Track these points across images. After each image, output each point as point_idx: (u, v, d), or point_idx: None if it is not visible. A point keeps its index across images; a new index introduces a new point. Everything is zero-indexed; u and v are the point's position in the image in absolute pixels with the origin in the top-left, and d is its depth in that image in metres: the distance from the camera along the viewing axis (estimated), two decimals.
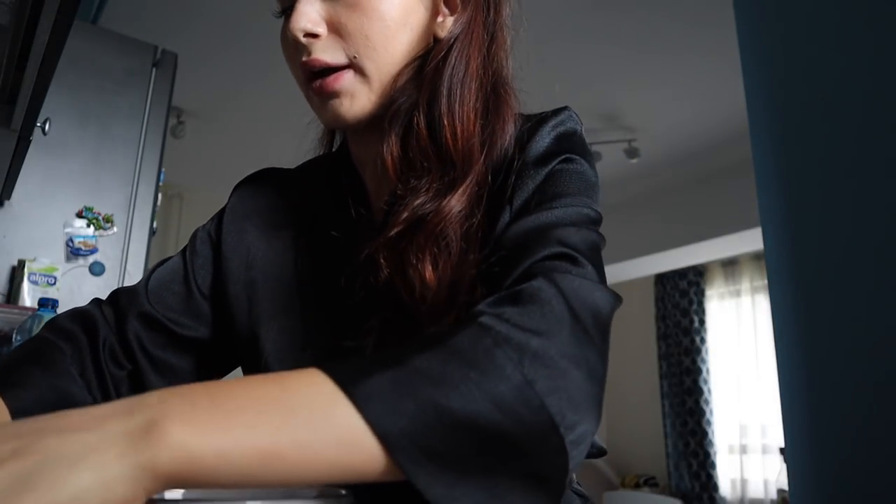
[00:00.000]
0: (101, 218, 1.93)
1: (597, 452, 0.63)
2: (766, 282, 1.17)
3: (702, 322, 5.22)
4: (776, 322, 1.12)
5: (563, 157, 0.60)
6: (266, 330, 0.66)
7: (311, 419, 0.37)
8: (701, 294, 5.27)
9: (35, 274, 1.76)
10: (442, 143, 0.60)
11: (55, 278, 1.78)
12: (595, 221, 0.58)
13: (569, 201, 0.57)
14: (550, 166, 0.59)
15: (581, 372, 0.43)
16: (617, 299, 0.51)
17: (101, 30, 2.20)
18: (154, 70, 2.11)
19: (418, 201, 0.58)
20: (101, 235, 1.92)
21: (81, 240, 1.87)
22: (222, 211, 0.76)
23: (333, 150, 0.76)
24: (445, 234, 0.58)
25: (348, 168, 0.71)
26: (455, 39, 0.63)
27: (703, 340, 5.19)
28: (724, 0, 1.38)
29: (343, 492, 0.45)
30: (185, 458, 0.33)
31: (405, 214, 0.58)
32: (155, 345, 0.68)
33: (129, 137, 2.04)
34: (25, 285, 1.74)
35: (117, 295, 0.70)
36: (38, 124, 1.44)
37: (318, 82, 0.61)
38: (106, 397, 0.65)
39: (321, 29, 0.60)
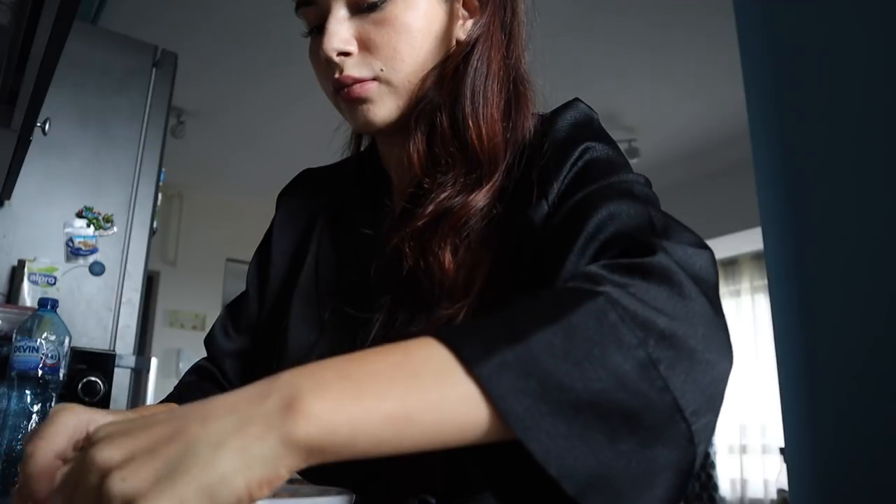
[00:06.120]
0: (101, 218, 1.93)
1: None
2: (766, 282, 1.17)
3: None
4: (776, 322, 1.12)
5: (584, 146, 0.60)
6: (291, 318, 0.69)
7: (437, 386, 0.36)
8: None
9: (35, 274, 1.76)
10: (467, 141, 0.62)
11: (55, 278, 1.78)
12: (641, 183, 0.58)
13: (607, 181, 0.56)
14: (574, 156, 0.59)
15: (710, 356, 0.40)
16: (711, 252, 0.48)
17: (101, 30, 2.20)
18: (154, 70, 2.11)
19: (444, 195, 0.60)
20: (101, 235, 1.92)
21: (81, 240, 1.87)
22: (270, 230, 0.80)
23: (361, 150, 0.79)
24: (468, 226, 0.60)
25: (375, 167, 0.74)
26: (475, 41, 0.65)
27: None
28: (724, 0, 1.38)
29: (344, 491, 0.45)
30: (322, 430, 0.34)
31: (431, 207, 0.60)
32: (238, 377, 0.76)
33: (129, 137, 2.04)
34: (25, 285, 1.74)
35: (208, 345, 0.78)
36: (38, 124, 1.44)
37: (345, 90, 0.63)
38: None
39: (352, 47, 0.62)
